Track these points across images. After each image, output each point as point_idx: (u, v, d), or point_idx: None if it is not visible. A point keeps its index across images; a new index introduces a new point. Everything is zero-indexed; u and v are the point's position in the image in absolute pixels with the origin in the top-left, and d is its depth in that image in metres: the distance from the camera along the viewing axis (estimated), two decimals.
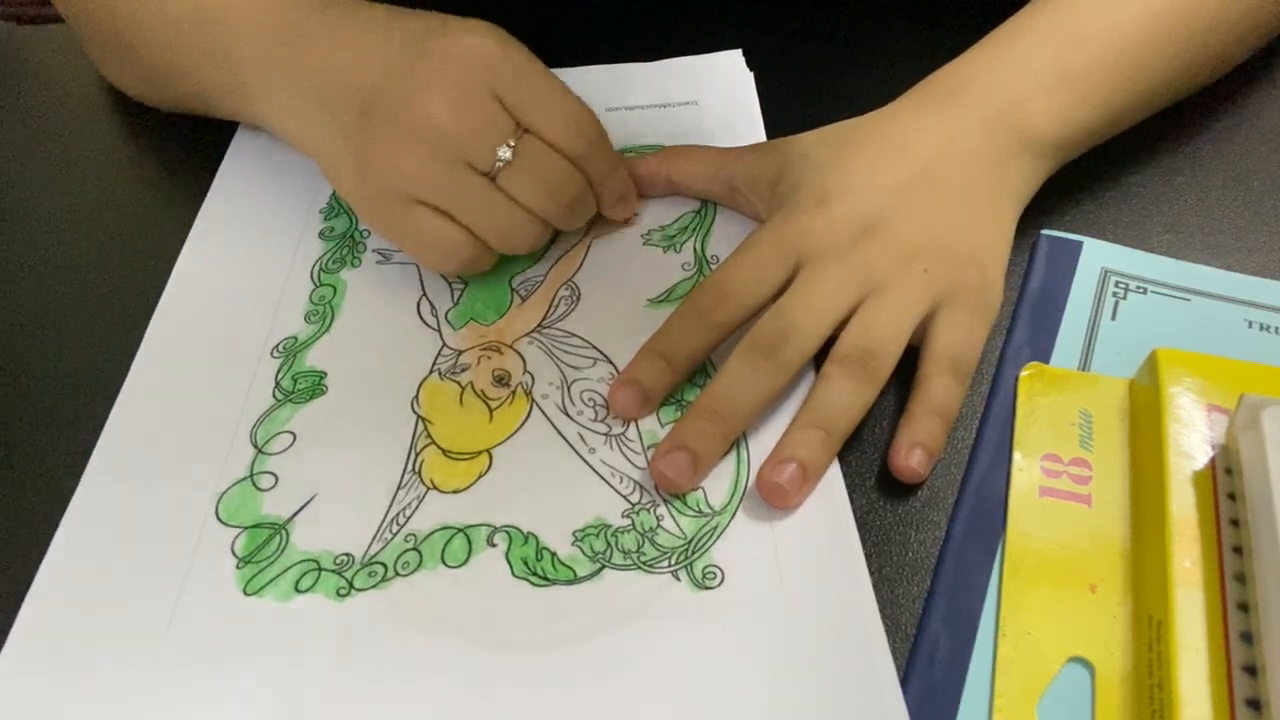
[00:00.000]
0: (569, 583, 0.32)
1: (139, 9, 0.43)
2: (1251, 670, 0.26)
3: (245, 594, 0.32)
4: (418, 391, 0.37)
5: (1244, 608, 0.27)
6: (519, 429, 0.36)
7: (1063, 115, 0.39)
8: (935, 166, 0.37)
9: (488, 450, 0.35)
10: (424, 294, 0.40)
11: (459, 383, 0.37)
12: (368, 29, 0.38)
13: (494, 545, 0.33)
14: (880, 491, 0.34)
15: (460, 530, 0.33)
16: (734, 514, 0.33)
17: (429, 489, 0.34)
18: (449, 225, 0.37)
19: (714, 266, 0.41)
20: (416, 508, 0.34)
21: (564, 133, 0.37)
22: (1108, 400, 0.35)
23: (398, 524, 0.33)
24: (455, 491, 0.34)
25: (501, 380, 0.37)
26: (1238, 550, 0.28)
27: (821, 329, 0.35)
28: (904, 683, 0.29)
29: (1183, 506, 0.30)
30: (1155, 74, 0.41)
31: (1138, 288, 0.38)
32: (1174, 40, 0.40)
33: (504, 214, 0.37)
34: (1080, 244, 0.40)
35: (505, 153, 0.36)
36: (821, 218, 0.36)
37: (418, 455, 0.35)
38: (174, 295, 0.41)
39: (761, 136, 0.46)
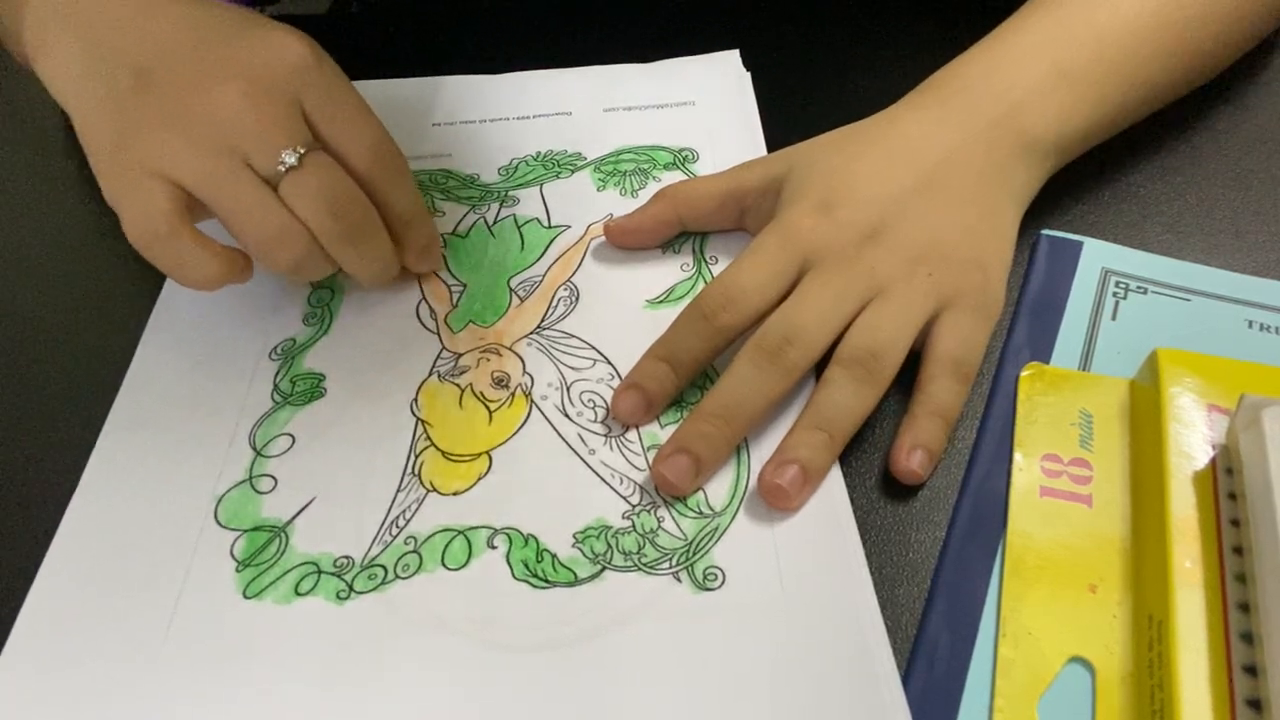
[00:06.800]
0: (569, 584, 0.32)
1: None
2: (1252, 670, 0.26)
3: (245, 597, 0.32)
4: (417, 394, 0.37)
5: (1244, 608, 0.27)
6: (518, 430, 0.36)
7: (1063, 116, 0.39)
8: (938, 172, 0.38)
9: (487, 452, 0.35)
10: (423, 297, 0.40)
11: (458, 385, 0.37)
12: (176, 4, 0.35)
13: (494, 547, 0.33)
14: (881, 492, 0.34)
15: (460, 532, 0.33)
16: (735, 515, 0.33)
17: (429, 491, 0.34)
18: (162, 189, 0.32)
19: (713, 267, 0.41)
20: (416, 510, 0.34)
21: (364, 154, 0.35)
22: (1108, 400, 0.35)
23: (398, 526, 0.33)
24: (455, 493, 0.34)
25: (501, 382, 0.37)
26: (1238, 550, 0.28)
27: (826, 333, 0.35)
28: (904, 682, 0.29)
29: (1183, 506, 0.30)
30: (1153, 71, 0.41)
31: (1138, 288, 0.38)
32: (1169, 36, 0.40)
33: (273, 217, 0.33)
34: (1080, 244, 0.40)
35: (291, 157, 0.33)
36: (826, 223, 0.36)
37: (417, 457, 0.35)
38: (172, 297, 0.41)
39: (759, 137, 0.46)
